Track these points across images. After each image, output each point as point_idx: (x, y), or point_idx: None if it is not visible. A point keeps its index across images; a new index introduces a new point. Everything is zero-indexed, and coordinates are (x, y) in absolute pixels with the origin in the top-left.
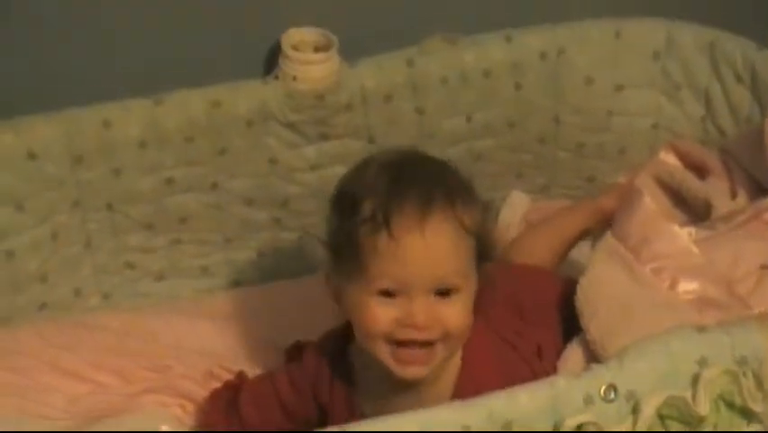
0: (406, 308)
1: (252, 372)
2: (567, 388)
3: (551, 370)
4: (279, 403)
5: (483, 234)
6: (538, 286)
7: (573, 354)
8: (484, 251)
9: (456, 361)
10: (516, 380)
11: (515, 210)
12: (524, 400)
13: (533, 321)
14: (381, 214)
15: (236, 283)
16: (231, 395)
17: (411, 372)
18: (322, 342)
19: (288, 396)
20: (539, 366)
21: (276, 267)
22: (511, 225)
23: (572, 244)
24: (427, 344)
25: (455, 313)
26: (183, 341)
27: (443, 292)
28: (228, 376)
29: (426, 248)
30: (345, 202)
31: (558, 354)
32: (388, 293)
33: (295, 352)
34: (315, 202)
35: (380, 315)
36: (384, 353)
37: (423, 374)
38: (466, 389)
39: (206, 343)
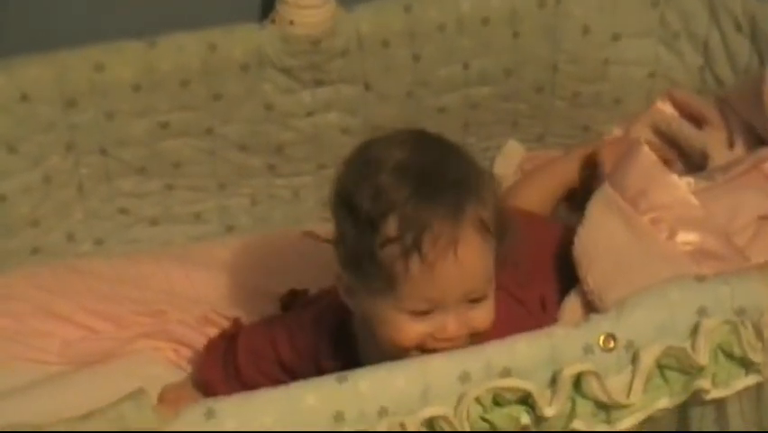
0: (439, 322)
1: (248, 319)
2: (566, 337)
3: (552, 321)
4: (278, 362)
5: (501, 222)
6: (535, 235)
7: (572, 304)
8: (501, 236)
9: None
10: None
11: (510, 159)
12: (522, 349)
13: (532, 272)
14: (411, 236)
15: (230, 230)
16: (227, 345)
17: None
18: (322, 312)
19: (287, 357)
20: (544, 319)
21: (270, 214)
22: (506, 174)
23: (565, 190)
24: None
25: (483, 315)
26: (177, 287)
27: (474, 300)
28: (223, 321)
29: (459, 267)
30: (360, 214)
31: (559, 304)
32: (420, 312)
33: (289, 300)
34: (310, 148)
35: (411, 331)
36: (412, 356)
37: None
38: None
39: (200, 289)
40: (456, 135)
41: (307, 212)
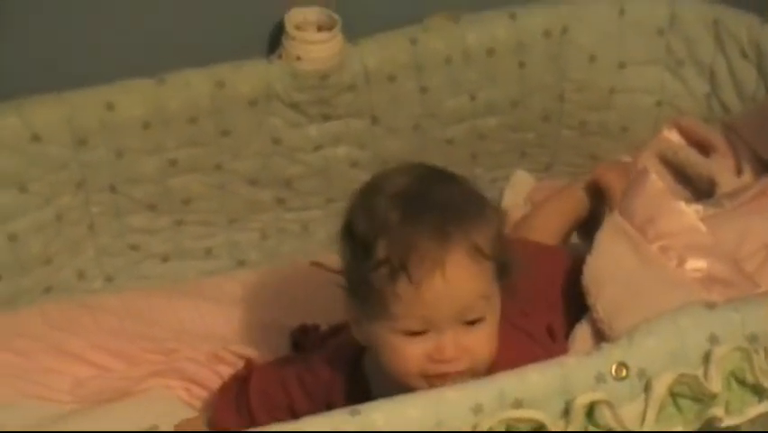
0: (435, 343)
1: (258, 355)
2: (577, 366)
3: (563, 351)
4: (289, 407)
5: (501, 250)
6: (541, 264)
7: (582, 333)
8: (504, 266)
9: None
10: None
11: (518, 190)
12: (534, 379)
13: (537, 301)
14: (397, 258)
15: (240, 264)
16: (239, 388)
17: None
18: (334, 352)
19: (299, 400)
20: (553, 348)
21: (279, 248)
22: (515, 204)
23: (577, 220)
24: (458, 373)
25: (481, 341)
26: (187, 324)
27: (471, 322)
28: (234, 359)
29: (448, 286)
30: (357, 240)
31: (567, 334)
32: (415, 332)
33: (300, 335)
34: (318, 182)
35: (410, 354)
36: (419, 386)
37: None
38: None
39: (211, 325)
40: (464, 166)
41: (317, 245)
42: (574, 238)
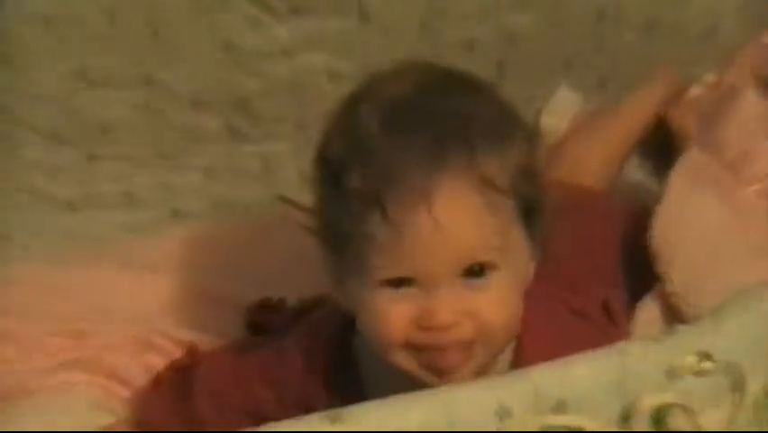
0: (424, 302)
1: (203, 340)
2: (642, 357)
3: (622, 335)
4: (250, 411)
5: (529, 187)
6: (594, 220)
7: (649, 311)
8: (534, 208)
9: (505, 354)
10: None
11: (561, 113)
12: (582, 374)
13: (591, 270)
14: (371, 187)
15: (176, 216)
16: (180, 381)
17: (451, 379)
18: (311, 333)
19: (265, 405)
20: (611, 332)
21: (231, 194)
22: (556, 133)
23: (632, 149)
24: (461, 344)
25: (492, 301)
26: (105, 297)
27: (474, 273)
28: (169, 345)
29: (438, 227)
30: (328, 165)
31: (629, 313)
32: (398, 282)
33: (261, 313)
34: (286, 102)
35: (392, 316)
36: (408, 363)
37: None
38: None
39: (137, 300)
40: (491, 80)
41: (283, 189)
42: (635, 175)
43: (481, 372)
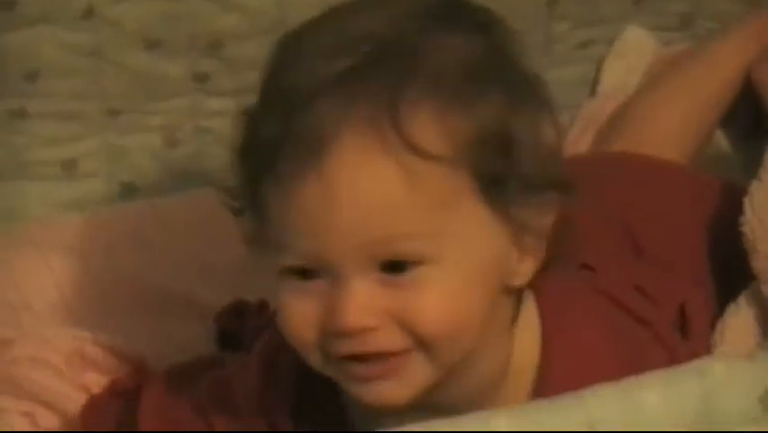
0: (329, 299)
1: (155, 354)
2: (730, 380)
3: (701, 350)
4: None
5: (498, 156)
6: (670, 201)
7: (740, 319)
8: (506, 180)
9: (528, 355)
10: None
11: (629, 61)
12: (652, 402)
13: (666, 265)
14: (265, 140)
15: (127, 191)
16: (122, 408)
17: (381, 394)
18: (277, 344)
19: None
20: (684, 347)
21: (198, 162)
22: (623, 88)
23: (724, 110)
24: (384, 354)
25: (425, 300)
26: (31, 295)
27: (393, 266)
28: (110, 361)
29: (330, 199)
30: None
31: (712, 320)
32: (302, 271)
33: (234, 320)
34: (270, 44)
35: (295, 314)
36: (329, 370)
37: (405, 396)
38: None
39: (73, 299)
40: (536, 21)
41: None
42: (717, 144)
43: (480, 382)
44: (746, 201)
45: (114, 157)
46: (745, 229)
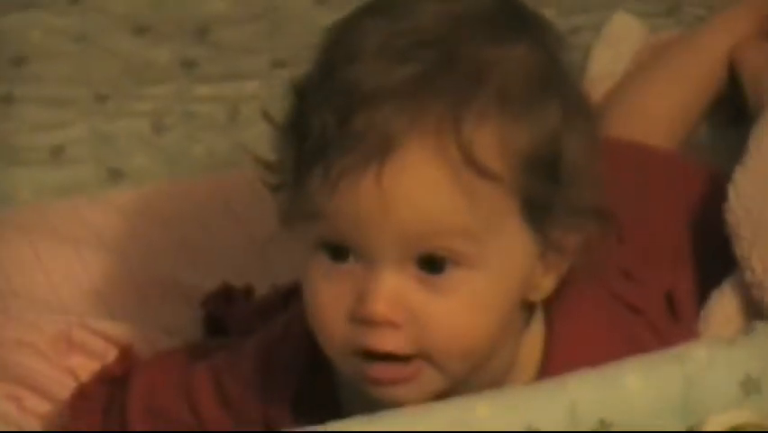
0: (362, 283)
1: (143, 340)
2: (711, 364)
3: (691, 336)
4: (200, 429)
5: (546, 181)
6: (654, 185)
7: (723, 305)
8: (548, 205)
9: (533, 346)
10: None
11: (618, 47)
12: (634, 386)
13: (653, 253)
14: (321, 129)
15: (114, 177)
16: (110, 395)
17: (393, 396)
18: (278, 333)
19: (217, 423)
20: (673, 333)
21: (187, 147)
22: (611, 75)
23: (710, 96)
24: (393, 356)
25: (451, 310)
26: (18, 279)
27: (431, 263)
28: (98, 345)
29: (384, 198)
30: (302, 81)
31: (698, 306)
32: (337, 251)
33: (222, 304)
34: (258, 29)
35: (325, 294)
36: (349, 366)
37: (418, 400)
38: None
39: (61, 285)
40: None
41: (252, 143)
42: (699, 131)
43: (486, 378)
44: (730, 188)
45: (102, 143)
46: (729, 216)
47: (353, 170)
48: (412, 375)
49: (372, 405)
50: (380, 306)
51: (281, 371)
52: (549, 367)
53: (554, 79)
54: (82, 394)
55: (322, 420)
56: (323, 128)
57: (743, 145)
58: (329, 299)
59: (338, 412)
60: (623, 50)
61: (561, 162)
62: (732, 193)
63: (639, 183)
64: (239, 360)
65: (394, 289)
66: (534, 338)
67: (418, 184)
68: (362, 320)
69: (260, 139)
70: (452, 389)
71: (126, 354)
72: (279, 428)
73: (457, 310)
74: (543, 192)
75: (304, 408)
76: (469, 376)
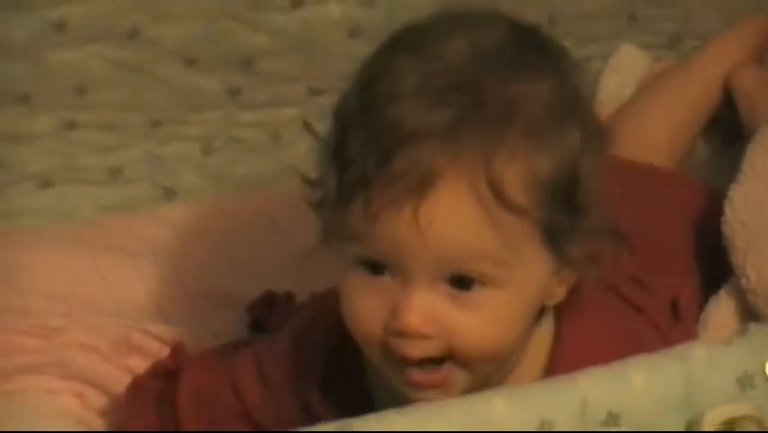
0: (397, 298)
1: (195, 343)
2: (709, 362)
3: (691, 336)
4: (244, 413)
5: (561, 208)
6: (661, 201)
7: (721, 310)
8: (563, 230)
9: (543, 339)
10: None
11: (624, 76)
12: (639, 382)
13: (658, 261)
14: (362, 162)
15: (168, 195)
16: (163, 388)
17: (426, 397)
18: (308, 324)
19: (258, 404)
20: (675, 334)
21: (231, 169)
22: (618, 99)
23: (706, 117)
24: (427, 361)
25: (478, 323)
26: (81, 288)
27: (461, 281)
28: (153, 345)
29: (420, 230)
30: (334, 118)
31: (699, 310)
32: (374, 266)
33: (264, 310)
34: (296, 61)
35: (363, 307)
36: (388, 368)
37: (444, 397)
38: None
39: (119, 292)
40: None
41: (293, 163)
42: (698, 150)
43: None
44: (726, 203)
45: (156, 164)
46: (725, 228)
47: (393, 203)
48: (444, 380)
49: (397, 389)
50: (413, 320)
51: (311, 353)
52: (556, 362)
53: (573, 106)
54: (137, 386)
55: (350, 402)
56: (364, 162)
57: (738, 163)
58: (366, 312)
59: (366, 396)
60: (628, 78)
61: (578, 188)
62: (728, 208)
63: (647, 200)
64: (275, 344)
65: (426, 304)
66: (543, 335)
67: (452, 217)
68: (396, 333)
69: (300, 160)
70: (478, 385)
71: (178, 349)
72: (313, 409)
73: (483, 324)
74: (562, 220)
75: (333, 389)
76: (494, 374)
